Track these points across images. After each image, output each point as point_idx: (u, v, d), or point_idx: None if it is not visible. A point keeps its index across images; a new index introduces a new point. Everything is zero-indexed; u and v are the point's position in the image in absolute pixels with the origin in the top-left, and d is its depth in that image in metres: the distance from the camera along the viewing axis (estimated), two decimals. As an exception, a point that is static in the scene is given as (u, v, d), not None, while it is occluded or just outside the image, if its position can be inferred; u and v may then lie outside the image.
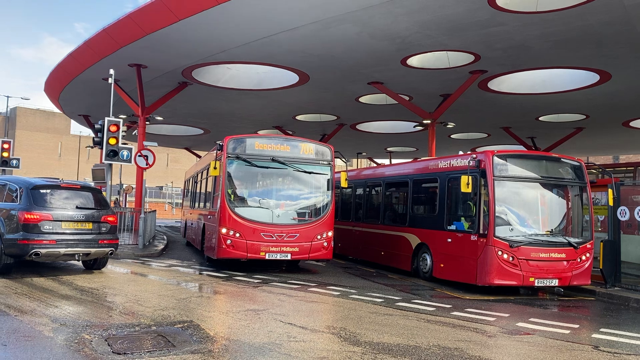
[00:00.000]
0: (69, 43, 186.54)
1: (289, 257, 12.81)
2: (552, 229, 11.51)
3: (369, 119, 27.96)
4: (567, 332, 7.82)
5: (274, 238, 12.64)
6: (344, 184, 14.66)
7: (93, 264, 11.75)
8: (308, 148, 13.68)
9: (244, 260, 12.95)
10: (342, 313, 8.72)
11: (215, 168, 12.87)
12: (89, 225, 10.85)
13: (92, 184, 14.34)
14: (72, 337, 6.07)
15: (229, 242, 12.54)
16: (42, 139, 79.62)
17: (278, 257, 12.72)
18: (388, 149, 38.33)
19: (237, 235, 12.56)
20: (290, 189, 13.54)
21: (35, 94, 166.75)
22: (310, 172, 13.44)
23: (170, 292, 9.65)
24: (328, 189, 13.54)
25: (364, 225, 16.76)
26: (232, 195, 12.98)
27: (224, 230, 12.60)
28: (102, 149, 15.67)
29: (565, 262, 11.11)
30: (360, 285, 11.65)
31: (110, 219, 11.24)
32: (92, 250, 10.83)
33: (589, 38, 14.77)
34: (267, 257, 12.63)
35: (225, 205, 12.71)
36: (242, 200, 13.11)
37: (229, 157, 12.99)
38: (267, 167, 13.17)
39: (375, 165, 39.11)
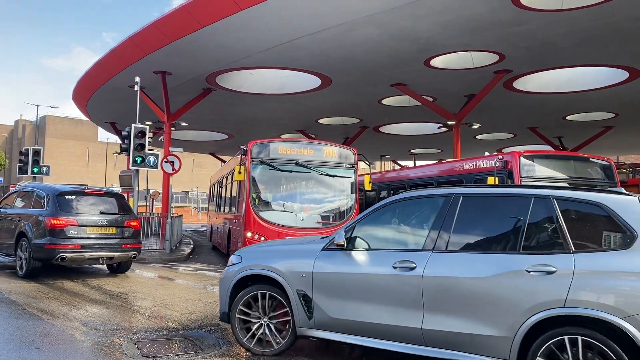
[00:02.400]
0: (98, 52, 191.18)
1: (314, 260, 12.79)
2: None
3: (392, 121, 27.84)
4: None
5: (299, 242, 12.66)
6: (367, 187, 14.62)
7: (117, 268, 11.97)
8: (331, 151, 13.68)
9: (269, 264, 12.98)
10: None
11: (239, 173, 12.96)
12: (113, 230, 11.07)
13: (117, 190, 14.62)
14: (102, 341, 6.17)
15: (254, 246, 12.60)
16: (71, 146, 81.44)
17: (303, 261, 12.71)
18: (412, 151, 38.11)
19: (262, 239, 12.62)
20: (314, 192, 13.55)
21: (65, 102, 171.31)
22: (333, 176, 13.44)
23: (197, 295, 9.74)
24: (352, 192, 13.51)
25: (389, 228, 16.65)
26: (257, 200, 13.05)
27: (249, 234, 12.67)
28: (129, 155, 15.91)
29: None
30: (386, 289, 11.57)
31: (133, 223, 11.44)
32: (116, 254, 11.04)
33: (616, 34, 14.48)
34: (292, 261, 12.63)
35: (250, 209, 12.78)
36: (266, 204, 13.18)
37: (253, 161, 13.07)
38: (290, 171, 13.21)
39: (399, 167, 38.91)
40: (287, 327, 5.67)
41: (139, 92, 17.53)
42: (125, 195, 15.55)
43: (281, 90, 21.62)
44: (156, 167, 16.33)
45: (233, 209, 15.32)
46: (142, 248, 12.12)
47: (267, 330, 5.74)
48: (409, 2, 12.84)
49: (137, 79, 17.29)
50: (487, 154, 12.86)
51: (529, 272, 4.35)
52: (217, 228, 19.15)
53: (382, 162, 47.47)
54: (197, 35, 15.56)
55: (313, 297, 5.39)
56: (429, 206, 5.41)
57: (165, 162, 17.08)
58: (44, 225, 10.46)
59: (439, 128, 26.18)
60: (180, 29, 15.65)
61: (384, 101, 22.74)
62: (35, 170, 22.12)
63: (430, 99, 21.52)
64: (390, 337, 4.96)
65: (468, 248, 4.89)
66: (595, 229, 4.50)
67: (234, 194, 15.36)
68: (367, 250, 5.35)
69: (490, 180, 10.86)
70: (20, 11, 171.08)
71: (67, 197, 10.96)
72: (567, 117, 25.02)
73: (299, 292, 5.49)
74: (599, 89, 19.75)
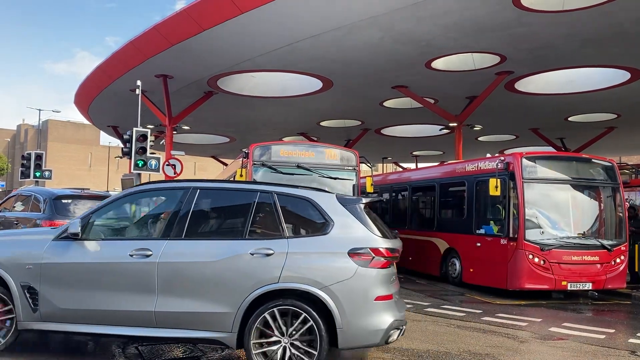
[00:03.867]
0: (101, 57, 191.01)
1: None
2: (584, 232, 11.25)
3: (394, 123, 27.81)
4: (602, 337, 7.61)
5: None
6: (369, 189, 14.58)
7: None
8: (333, 154, 13.66)
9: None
10: (370, 319, 8.64)
11: (241, 176, 12.94)
12: None
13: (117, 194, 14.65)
14: (104, 344, 6.15)
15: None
16: (73, 150, 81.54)
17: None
18: (414, 153, 38.06)
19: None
20: (316, 195, 13.53)
21: (67, 107, 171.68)
22: (335, 178, 13.40)
23: (199, 299, 9.73)
24: (353, 195, 13.48)
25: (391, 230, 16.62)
26: (259, 202, 13.03)
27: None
28: (130, 159, 15.92)
29: (598, 265, 10.84)
30: (389, 291, 11.55)
31: None
32: None
33: (617, 35, 14.44)
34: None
35: (251, 212, 12.76)
36: (268, 207, 13.15)
37: (255, 164, 13.05)
38: (292, 174, 13.19)
39: (401, 169, 38.88)
40: (7, 323, 5.42)
41: (140, 95, 17.55)
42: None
43: (283, 93, 21.61)
44: (158, 170, 16.33)
45: (235, 212, 15.30)
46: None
47: None
48: (410, 4, 12.83)
49: (139, 82, 17.31)
50: (488, 155, 12.83)
51: (252, 254, 5.05)
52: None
53: (384, 165, 47.42)
54: (199, 38, 15.57)
55: (39, 289, 5.26)
56: (167, 198, 5.85)
57: (167, 165, 17.08)
58: None
59: (440, 130, 26.12)
60: (181, 32, 15.66)
61: (386, 103, 22.72)
62: (38, 174, 22.14)
63: (432, 101, 21.49)
64: (125, 323, 5.14)
65: (202, 236, 5.45)
66: (304, 219, 5.45)
67: (236, 197, 15.34)
68: (103, 239, 5.49)
69: (492, 181, 10.84)
70: (23, 16, 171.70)
71: (63, 200, 10.96)
72: (569, 118, 24.95)
73: (23, 285, 5.31)
74: (601, 90, 19.69)
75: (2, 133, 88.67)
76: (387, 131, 29.60)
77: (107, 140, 78.23)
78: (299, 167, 13.12)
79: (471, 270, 12.13)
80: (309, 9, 13.56)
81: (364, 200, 5.45)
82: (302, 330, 4.93)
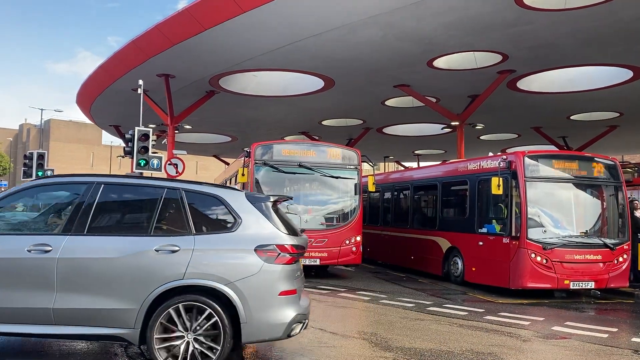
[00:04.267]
0: (103, 57, 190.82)
1: (317, 262, 12.79)
2: (586, 230, 11.23)
3: (396, 122, 27.79)
4: (605, 336, 7.60)
5: (303, 243, 12.64)
6: (371, 188, 14.58)
7: None
8: (335, 153, 13.67)
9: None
10: (372, 318, 8.66)
11: (243, 175, 12.96)
12: None
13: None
14: (107, 344, 6.15)
15: (258, 248, 12.58)
16: (75, 149, 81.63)
17: (307, 263, 12.70)
18: (416, 152, 38.02)
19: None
20: (318, 194, 13.54)
21: (70, 106, 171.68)
22: (337, 177, 13.42)
23: (201, 298, 9.73)
24: (355, 194, 13.49)
25: (393, 229, 16.62)
26: (261, 202, 13.03)
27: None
28: (132, 158, 15.94)
29: (601, 264, 10.83)
30: (390, 290, 11.56)
31: None
32: None
33: (620, 33, 14.41)
34: (296, 263, 12.62)
35: (253, 211, 12.76)
36: (270, 206, 13.15)
37: (257, 163, 13.06)
38: (294, 173, 13.21)
39: (402, 168, 38.85)
40: None
41: (142, 95, 17.56)
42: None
43: (284, 92, 21.60)
44: (160, 169, 16.35)
45: (237, 211, 15.31)
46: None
47: None
48: (412, 3, 12.81)
49: (141, 82, 17.32)
50: (491, 154, 12.81)
51: (157, 251, 5.03)
52: (221, 230, 19.12)
53: (386, 163, 47.40)
54: (200, 38, 15.56)
55: None
56: (69, 192, 5.70)
57: (169, 164, 17.10)
58: None
59: (442, 129, 26.08)
60: (183, 31, 15.66)
61: (387, 102, 22.70)
62: (40, 173, 22.15)
63: (434, 100, 21.46)
64: (21, 320, 5.01)
65: (105, 231, 5.34)
66: (212, 216, 5.48)
67: (238, 196, 15.34)
68: None
69: (495, 180, 10.82)
70: (25, 15, 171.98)
71: None
72: (572, 117, 24.90)
73: None
74: (603, 89, 19.64)
75: (5, 132, 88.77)
76: (389, 130, 29.57)
77: (109, 139, 78.44)
78: (300, 166, 13.13)
79: (473, 269, 12.11)
80: (310, 8, 13.54)
81: (272, 199, 5.54)
82: (206, 326, 4.98)
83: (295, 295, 5.25)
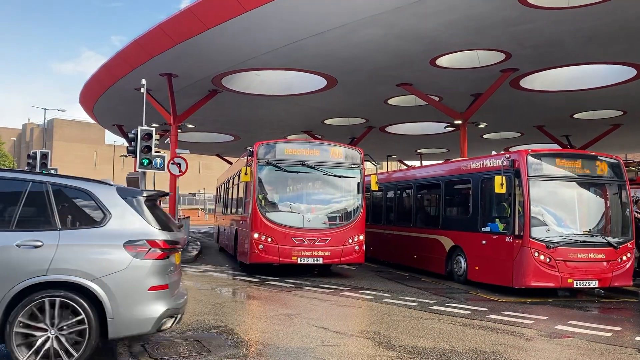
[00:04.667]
0: (106, 56, 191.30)
1: (320, 261, 12.79)
2: (590, 229, 11.21)
3: (399, 121, 27.77)
4: (609, 334, 7.59)
5: (306, 242, 12.66)
6: (374, 187, 14.57)
7: None
8: (337, 152, 13.67)
9: (276, 264, 12.99)
10: (375, 317, 8.66)
11: (246, 174, 12.97)
12: None
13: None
14: (110, 342, 6.17)
15: (261, 247, 12.61)
16: (78, 149, 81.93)
17: (310, 262, 12.72)
18: (418, 150, 37.99)
19: (269, 240, 12.62)
20: (321, 193, 13.54)
21: (73, 106, 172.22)
22: (340, 176, 13.42)
23: (204, 297, 9.75)
24: (358, 193, 13.49)
25: (396, 228, 16.62)
26: (263, 201, 13.05)
27: (255, 235, 12.68)
28: (135, 157, 15.96)
29: (605, 263, 10.80)
30: (393, 289, 11.56)
31: None
32: None
33: (623, 32, 14.37)
34: (298, 262, 12.65)
35: (256, 210, 12.79)
36: (273, 205, 13.18)
37: (259, 162, 13.07)
38: (297, 172, 13.21)
39: (405, 167, 38.83)
40: None
41: (145, 94, 17.56)
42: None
43: (287, 91, 21.61)
44: (163, 169, 16.36)
45: (240, 210, 15.33)
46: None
47: None
48: (414, 1, 12.79)
49: (143, 81, 17.32)
50: (494, 153, 12.79)
51: (19, 246, 4.94)
52: (224, 230, 19.16)
53: (389, 162, 47.36)
54: (203, 37, 15.57)
55: None
56: None
57: (172, 164, 17.12)
58: None
59: (445, 128, 26.04)
60: (185, 31, 15.67)
61: (390, 101, 22.68)
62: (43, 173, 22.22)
63: (437, 99, 21.43)
64: None
65: None
66: (81, 210, 5.38)
67: (241, 195, 15.37)
68: None
69: (498, 179, 10.80)
70: (29, 15, 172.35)
71: None
72: (575, 116, 24.84)
73: None
74: (606, 87, 19.59)
75: (8, 132, 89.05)
76: (392, 129, 29.55)
77: (112, 139, 78.75)
78: (303, 165, 13.13)
79: (476, 268, 12.10)
80: (312, 6, 13.54)
81: (145, 194, 5.50)
82: (72, 322, 4.94)
83: (166, 291, 5.28)
